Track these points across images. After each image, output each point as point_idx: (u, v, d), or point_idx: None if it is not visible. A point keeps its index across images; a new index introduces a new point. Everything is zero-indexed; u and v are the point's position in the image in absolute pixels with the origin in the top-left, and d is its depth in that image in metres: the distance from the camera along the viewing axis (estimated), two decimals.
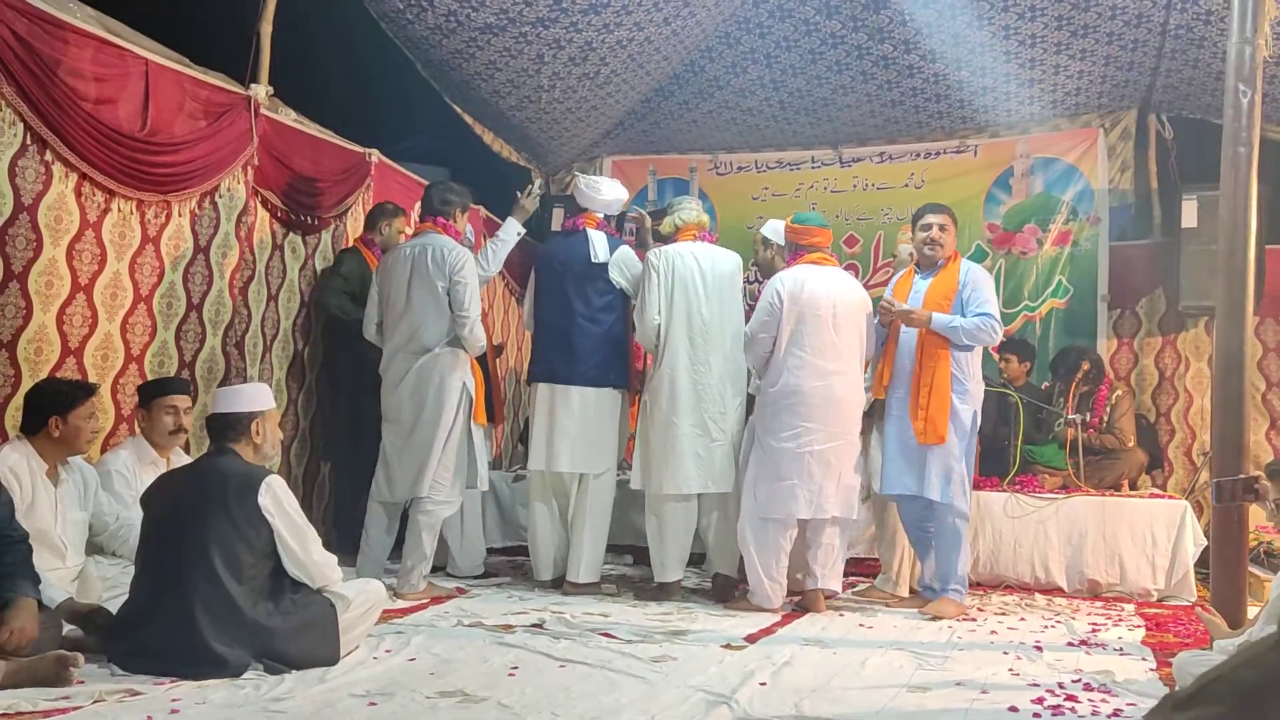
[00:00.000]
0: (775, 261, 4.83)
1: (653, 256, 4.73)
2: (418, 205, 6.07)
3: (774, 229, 4.88)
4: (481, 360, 4.88)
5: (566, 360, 4.76)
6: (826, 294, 4.50)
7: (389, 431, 4.65)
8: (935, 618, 4.31)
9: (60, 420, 3.33)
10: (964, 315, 4.47)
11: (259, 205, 4.81)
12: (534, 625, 3.90)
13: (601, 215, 4.91)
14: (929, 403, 4.43)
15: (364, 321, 4.77)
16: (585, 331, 4.76)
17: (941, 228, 4.57)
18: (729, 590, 4.70)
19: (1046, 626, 4.23)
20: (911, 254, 4.88)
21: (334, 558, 3.30)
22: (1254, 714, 0.84)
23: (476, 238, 5.41)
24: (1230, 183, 3.90)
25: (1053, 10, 6.02)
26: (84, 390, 3.42)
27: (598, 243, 4.81)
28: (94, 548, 3.65)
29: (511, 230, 5.05)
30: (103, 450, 3.96)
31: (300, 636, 3.10)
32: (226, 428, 3.22)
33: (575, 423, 4.73)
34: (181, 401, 3.84)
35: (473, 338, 4.54)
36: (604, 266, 4.79)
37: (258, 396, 3.30)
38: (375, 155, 5.69)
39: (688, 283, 4.67)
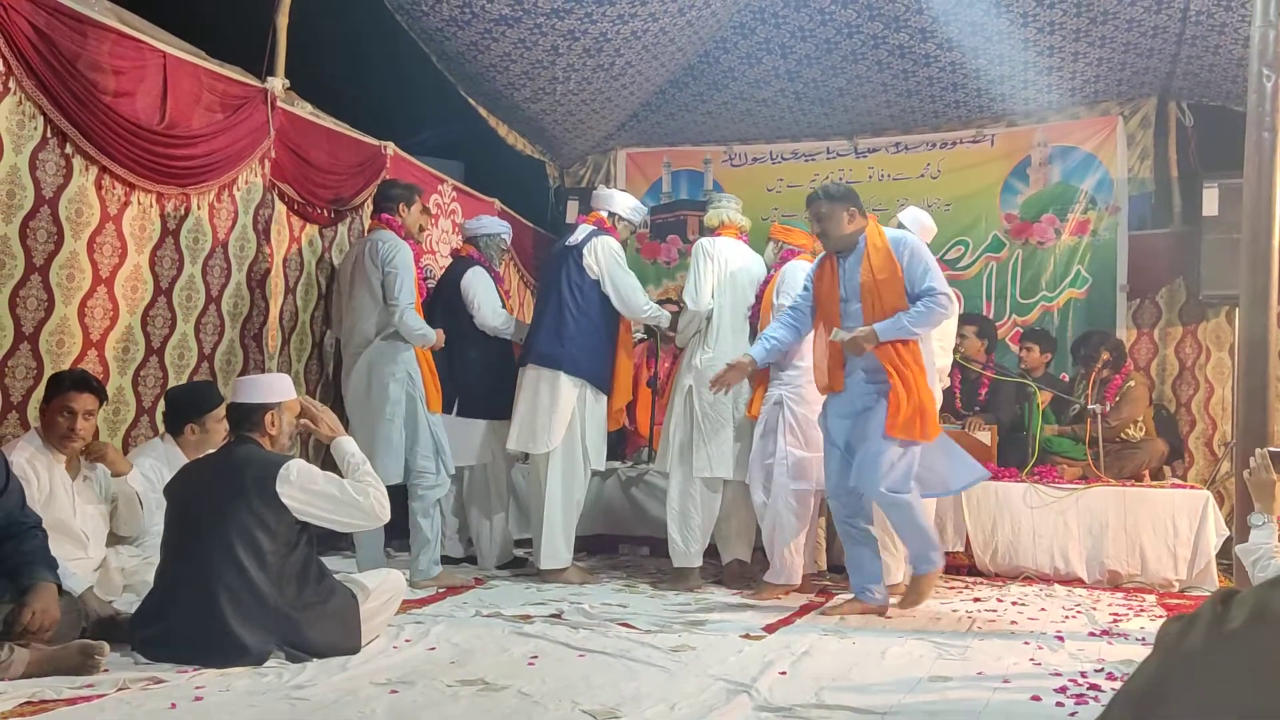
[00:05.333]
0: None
1: (707, 244, 4.86)
2: (434, 198, 6.10)
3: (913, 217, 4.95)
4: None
5: (532, 342, 4.85)
6: None
7: (350, 421, 4.76)
8: (918, 601, 4.13)
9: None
10: (911, 293, 4.03)
11: (276, 198, 4.82)
12: (552, 615, 3.91)
13: (606, 214, 4.95)
14: (915, 394, 3.96)
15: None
16: (550, 315, 4.81)
17: (817, 217, 4.18)
18: (742, 576, 4.83)
19: (1067, 617, 4.20)
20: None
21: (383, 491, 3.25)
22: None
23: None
24: (1254, 168, 3.86)
25: None
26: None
27: (579, 232, 4.89)
28: (113, 538, 3.68)
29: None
30: (125, 442, 3.98)
31: (322, 625, 3.11)
32: (242, 418, 3.24)
33: (525, 402, 4.79)
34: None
35: (403, 325, 4.52)
36: (576, 251, 4.79)
37: (274, 388, 3.29)
38: (391, 148, 5.70)
39: (737, 275, 4.81)
